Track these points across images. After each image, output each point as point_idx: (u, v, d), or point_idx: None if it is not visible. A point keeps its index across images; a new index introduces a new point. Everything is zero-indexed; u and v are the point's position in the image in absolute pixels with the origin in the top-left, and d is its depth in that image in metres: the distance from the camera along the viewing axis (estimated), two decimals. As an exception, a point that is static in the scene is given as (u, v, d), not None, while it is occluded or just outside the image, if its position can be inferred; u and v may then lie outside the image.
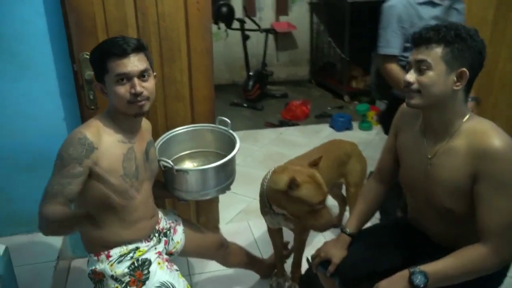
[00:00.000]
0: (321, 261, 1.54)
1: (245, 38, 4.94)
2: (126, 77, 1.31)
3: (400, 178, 1.49)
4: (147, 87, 1.34)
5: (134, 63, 1.31)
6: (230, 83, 5.73)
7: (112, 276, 1.41)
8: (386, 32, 2.01)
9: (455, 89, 1.22)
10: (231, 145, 1.69)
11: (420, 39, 1.23)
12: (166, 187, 1.68)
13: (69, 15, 1.75)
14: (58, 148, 1.91)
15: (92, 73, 1.82)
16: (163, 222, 1.66)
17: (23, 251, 2.02)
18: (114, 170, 1.35)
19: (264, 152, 3.69)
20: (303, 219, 1.65)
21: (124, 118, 1.39)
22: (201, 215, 2.31)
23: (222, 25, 4.82)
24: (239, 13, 4.99)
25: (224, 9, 4.59)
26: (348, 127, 4.19)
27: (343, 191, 2.42)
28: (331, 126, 4.24)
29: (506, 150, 1.16)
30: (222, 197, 2.61)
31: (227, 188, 1.69)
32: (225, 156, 1.66)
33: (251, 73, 4.96)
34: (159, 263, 1.49)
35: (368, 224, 1.63)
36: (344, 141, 2.33)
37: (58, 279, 1.96)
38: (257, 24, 4.96)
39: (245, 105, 4.85)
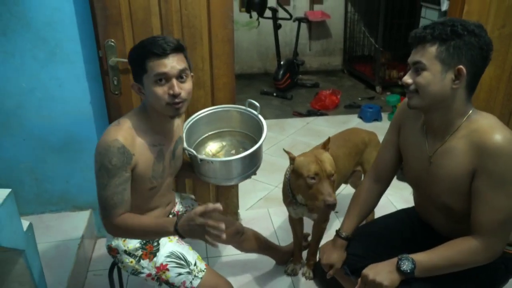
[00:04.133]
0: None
1: (276, 27, 4.93)
2: (165, 78, 1.30)
3: (404, 173, 1.48)
4: (185, 88, 1.33)
5: (173, 63, 1.29)
6: (262, 72, 5.74)
7: (125, 251, 1.49)
8: None
9: (454, 87, 1.18)
10: (259, 129, 1.68)
11: (415, 39, 1.21)
12: (192, 169, 1.68)
13: (95, 2, 1.82)
14: (84, 130, 2.05)
15: (116, 60, 1.90)
16: (179, 206, 1.72)
17: (50, 229, 2.13)
18: (145, 173, 1.39)
19: (290, 141, 3.70)
20: (303, 195, 1.70)
21: (158, 119, 1.40)
22: (221, 201, 2.36)
23: (255, 14, 4.82)
24: (272, 1, 4.97)
25: (257, -2, 4.58)
26: (377, 118, 4.13)
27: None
28: (360, 117, 4.19)
29: (507, 146, 1.13)
30: (243, 184, 2.66)
31: (252, 174, 1.69)
32: (252, 137, 1.68)
33: (282, 62, 4.95)
34: (169, 237, 1.54)
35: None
36: (362, 130, 2.32)
37: (81, 257, 2.06)
38: (288, 13, 4.93)
39: (274, 94, 4.85)
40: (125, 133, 1.33)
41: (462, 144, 1.21)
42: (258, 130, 1.69)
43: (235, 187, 2.40)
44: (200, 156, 1.55)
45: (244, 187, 2.65)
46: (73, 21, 1.90)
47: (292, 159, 1.68)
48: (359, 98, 4.77)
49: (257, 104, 1.73)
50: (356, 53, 5.71)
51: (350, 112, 4.38)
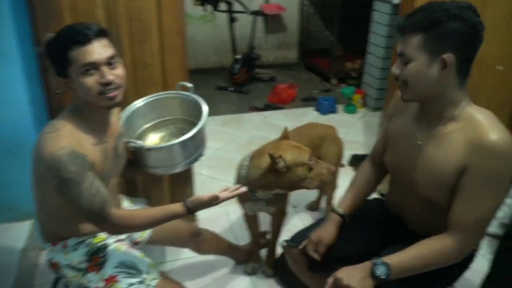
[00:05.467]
0: (292, 237, 1.54)
1: (232, 20, 4.85)
2: (93, 67, 1.20)
3: (385, 162, 1.45)
4: (117, 74, 1.25)
5: (99, 50, 1.20)
6: (218, 67, 5.65)
7: (68, 265, 1.39)
8: None
9: (443, 76, 1.13)
10: (197, 110, 1.63)
11: (399, 29, 1.16)
12: (136, 164, 1.61)
13: (33, -6, 1.68)
14: (23, 134, 1.88)
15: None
16: (128, 211, 1.63)
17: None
18: (96, 175, 1.28)
19: (247, 136, 3.65)
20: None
21: (95, 114, 1.30)
22: (176, 202, 2.27)
23: (209, 7, 4.71)
24: (226, -6, 4.89)
25: (211, -10, 4.48)
26: (333, 110, 4.16)
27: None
28: (316, 110, 4.21)
29: (502, 147, 1.09)
30: (200, 182, 2.60)
31: (199, 157, 1.64)
32: (194, 122, 1.62)
33: (237, 57, 4.88)
34: (117, 246, 1.45)
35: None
36: (320, 124, 2.30)
37: (24, 270, 1.89)
38: (244, 6, 4.86)
39: (231, 89, 4.78)
40: (68, 137, 1.22)
41: (455, 137, 1.17)
42: (197, 112, 1.64)
43: (190, 186, 2.32)
44: (146, 146, 1.49)
45: (201, 185, 2.58)
46: (8, 15, 1.74)
47: (280, 157, 1.56)
48: (315, 91, 4.79)
49: (188, 84, 1.68)
50: (312, 47, 5.74)
51: (307, 105, 4.38)
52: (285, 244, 1.67)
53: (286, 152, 1.57)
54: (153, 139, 1.77)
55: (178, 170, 1.63)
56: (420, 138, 1.26)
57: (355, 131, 3.76)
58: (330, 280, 1.23)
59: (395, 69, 1.20)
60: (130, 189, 2.10)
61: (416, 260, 1.20)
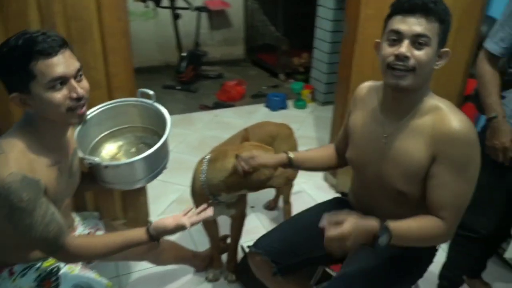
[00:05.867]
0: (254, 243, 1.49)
1: (175, 17, 4.70)
2: (62, 81, 1.08)
3: (348, 156, 1.42)
4: (85, 87, 1.14)
5: (68, 61, 1.08)
6: (163, 65, 5.47)
7: None
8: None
9: (435, 68, 1.16)
10: (159, 119, 1.53)
11: (417, 6, 1.09)
12: (89, 179, 1.48)
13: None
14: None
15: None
16: (80, 229, 1.51)
17: None
18: (50, 198, 1.15)
19: (199, 136, 3.55)
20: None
21: (52, 131, 1.17)
22: (129, 211, 2.15)
23: (151, 3, 4.54)
24: (168, -10, 4.73)
25: (151, -15, 4.31)
26: (283, 106, 4.15)
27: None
28: (267, 106, 4.18)
29: (468, 134, 1.13)
30: (153, 188, 2.48)
31: (163, 170, 1.54)
32: (152, 130, 1.54)
33: (183, 54, 4.74)
34: (70, 267, 1.34)
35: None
36: (272, 122, 2.25)
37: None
38: (188, 2, 4.73)
39: (178, 87, 4.65)
40: (18, 160, 1.07)
41: (424, 127, 1.17)
42: (158, 120, 1.54)
43: (144, 194, 2.21)
44: (104, 163, 1.36)
45: (153, 191, 2.47)
46: None
47: None
48: (264, 87, 4.77)
49: (150, 92, 1.57)
50: (258, 42, 5.71)
51: (257, 101, 4.35)
52: (247, 250, 1.62)
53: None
54: (110, 149, 1.64)
55: (139, 185, 1.53)
56: (387, 131, 1.25)
57: (306, 126, 3.77)
58: (340, 230, 1.08)
59: (407, 51, 1.09)
60: (78, 202, 1.94)
61: (413, 232, 1.16)
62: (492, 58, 1.58)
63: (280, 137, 2.15)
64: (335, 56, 4.09)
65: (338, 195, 1.72)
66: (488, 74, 1.58)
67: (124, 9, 1.82)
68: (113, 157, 1.61)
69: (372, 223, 1.12)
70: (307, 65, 4.79)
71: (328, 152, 1.59)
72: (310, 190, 2.78)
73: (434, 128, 1.15)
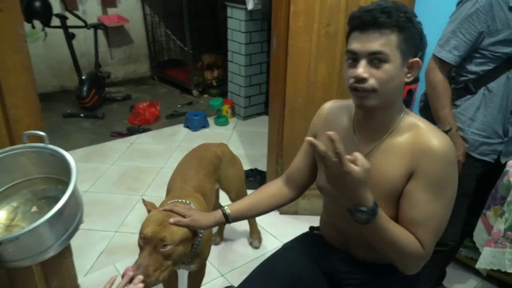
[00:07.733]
0: None
1: (69, 36, 4.21)
2: None
3: (320, 185, 1.26)
4: None
5: None
6: (59, 90, 4.92)
7: None
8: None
9: (406, 81, 1.05)
10: (58, 163, 1.26)
11: (367, 22, 0.98)
12: None
13: None
14: None
15: None
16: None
17: None
18: None
19: (117, 169, 3.16)
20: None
21: None
22: (52, 279, 1.77)
23: (38, 23, 4.01)
24: (57, 7, 4.22)
25: (37, 3, 3.79)
26: (205, 125, 3.93)
27: (220, 201, 2.14)
28: (187, 126, 3.92)
29: (447, 152, 1.05)
30: (76, 239, 2.09)
31: (76, 230, 1.24)
32: (56, 179, 1.27)
33: (83, 77, 4.27)
34: None
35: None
36: (212, 143, 2.08)
37: None
38: (82, 20, 4.28)
39: (82, 115, 4.16)
40: None
41: (403, 143, 1.09)
42: (58, 165, 1.26)
43: (69, 255, 1.83)
44: None
45: (75, 243, 2.08)
46: None
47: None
48: (179, 105, 4.50)
49: (40, 133, 1.29)
50: (163, 58, 5.41)
51: (174, 122, 4.07)
52: None
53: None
54: (1, 216, 1.29)
55: (52, 254, 1.20)
56: (364, 152, 1.13)
57: (232, 143, 3.58)
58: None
59: (363, 72, 1.01)
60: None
61: (394, 231, 1.04)
62: (444, 67, 1.54)
63: (225, 158, 2.00)
64: (251, 69, 3.98)
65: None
66: (441, 84, 1.55)
67: (21, 37, 1.49)
68: (9, 225, 1.28)
69: (370, 196, 1.00)
70: (220, 79, 4.62)
71: (271, 191, 1.40)
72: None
73: (413, 144, 1.08)
